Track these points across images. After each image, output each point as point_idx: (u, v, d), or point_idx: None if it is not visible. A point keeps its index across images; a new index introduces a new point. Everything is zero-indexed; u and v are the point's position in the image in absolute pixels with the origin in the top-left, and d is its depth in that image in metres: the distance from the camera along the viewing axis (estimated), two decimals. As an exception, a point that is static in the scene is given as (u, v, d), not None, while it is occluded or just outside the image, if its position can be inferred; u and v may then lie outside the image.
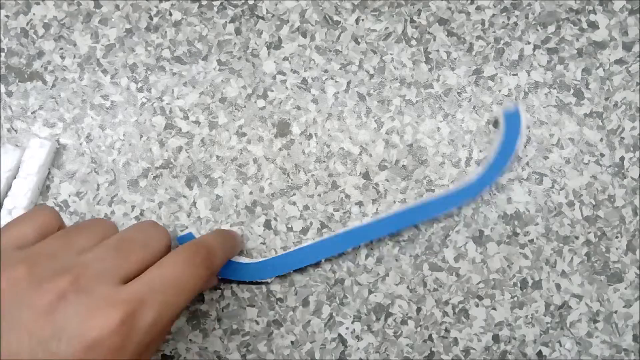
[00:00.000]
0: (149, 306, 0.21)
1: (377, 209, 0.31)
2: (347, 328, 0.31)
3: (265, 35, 0.32)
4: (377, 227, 0.30)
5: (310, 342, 0.31)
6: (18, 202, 0.31)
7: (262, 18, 0.33)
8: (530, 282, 0.31)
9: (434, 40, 0.32)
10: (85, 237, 0.23)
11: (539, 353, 0.31)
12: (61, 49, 0.33)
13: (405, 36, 0.32)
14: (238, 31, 0.33)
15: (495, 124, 0.32)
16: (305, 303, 0.31)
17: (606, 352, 0.31)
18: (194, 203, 0.32)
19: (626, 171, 0.31)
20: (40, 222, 0.23)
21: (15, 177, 0.31)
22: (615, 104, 0.31)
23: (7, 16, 0.33)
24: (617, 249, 0.31)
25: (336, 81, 0.32)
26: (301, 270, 0.31)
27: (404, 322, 0.31)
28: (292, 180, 0.32)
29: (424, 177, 0.32)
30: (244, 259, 0.30)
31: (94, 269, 0.21)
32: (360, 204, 0.32)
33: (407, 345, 0.31)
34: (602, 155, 0.31)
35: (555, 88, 0.32)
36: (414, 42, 0.32)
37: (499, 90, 0.32)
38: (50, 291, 0.20)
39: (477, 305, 0.31)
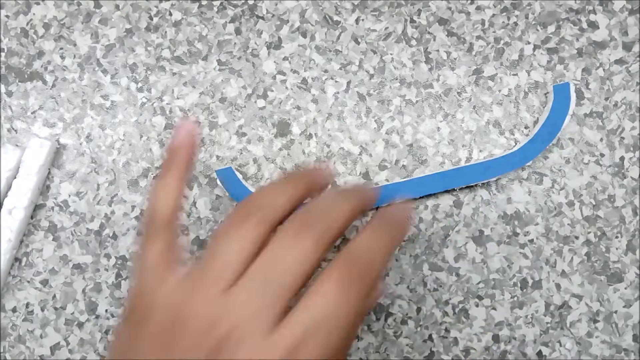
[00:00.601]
0: (309, 346, 0.19)
1: (377, 208, 0.31)
2: (347, 328, 0.31)
3: (265, 35, 0.32)
4: (413, 186, 0.30)
5: (310, 342, 0.31)
6: (18, 202, 0.31)
7: (262, 18, 0.33)
8: (530, 282, 0.31)
9: (434, 40, 0.32)
10: (227, 262, 0.20)
11: (539, 353, 0.31)
12: (61, 49, 0.33)
13: (405, 36, 0.32)
14: (238, 31, 0.33)
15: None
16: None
17: (606, 352, 0.31)
18: (194, 203, 0.32)
19: (626, 171, 0.31)
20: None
21: (15, 177, 0.31)
22: (615, 104, 0.31)
23: (7, 16, 0.33)
24: (617, 249, 0.31)
25: (336, 81, 0.32)
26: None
27: (404, 322, 0.31)
28: (292, 180, 0.32)
29: (424, 177, 0.32)
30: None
31: (244, 317, 0.19)
32: (360, 204, 0.32)
33: (407, 345, 0.31)
34: (602, 155, 0.31)
35: (555, 88, 0.32)
36: (414, 42, 0.32)
37: (499, 90, 0.32)
38: (202, 348, 0.18)
39: (477, 305, 0.31)
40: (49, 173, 0.32)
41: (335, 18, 0.32)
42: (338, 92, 0.32)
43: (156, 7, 0.33)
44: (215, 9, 0.33)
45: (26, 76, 0.33)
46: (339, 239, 0.22)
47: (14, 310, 0.32)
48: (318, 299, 0.19)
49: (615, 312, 0.31)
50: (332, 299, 0.19)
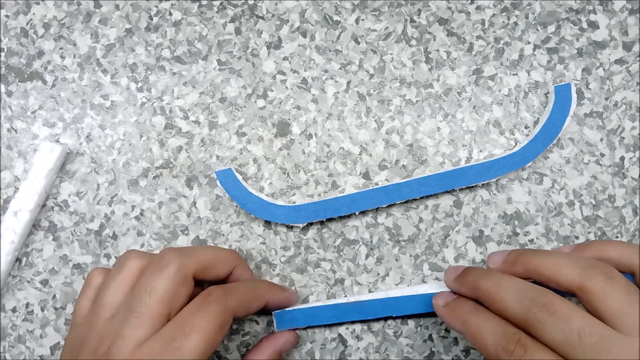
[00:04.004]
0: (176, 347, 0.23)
1: (377, 208, 0.31)
2: (347, 328, 0.31)
3: (265, 35, 0.32)
4: (414, 186, 0.30)
5: (310, 342, 0.31)
6: (24, 204, 0.31)
7: (262, 18, 0.33)
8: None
9: (434, 40, 0.32)
10: (112, 295, 0.25)
11: (539, 353, 0.31)
12: (61, 48, 0.33)
13: (405, 36, 0.32)
14: (238, 31, 0.33)
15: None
16: (305, 303, 0.31)
17: (606, 352, 0.31)
18: (194, 203, 0.32)
19: (626, 171, 0.31)
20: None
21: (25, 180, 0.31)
22: (615, 104, 0.31)
23: (7, 16, 0.33)
24: (617, 248, 0.31)
25: (336, 81, 0.32)
26: (301, 270, 0.31)
27: (404, 322, 0.31)
28: (292, 180, 0.32)
29: (424, 177, 0.32)
30: (280, 202, 0.31)
31: (119, 335, 0.23)
32: (360, 203, 0.32)
33: (407, 345, 0.31)
34: (602, 155, 0.31)
35: (555, 88, 0.32)
36: (414, 42, 0.32)
37: (499, 90, 0.32)
38: (90, 356, 0.24)
39: (477, 305, 0.31)
40: (49, 173, 0.32)
41: (335, 18, 0.32)
42: (338, 92, 0.32)
43: (156, 7, 0.33)
44: (215, 9, 0.33)
45: (26, 76, 0.33)
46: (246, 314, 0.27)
47: (14, 310, 0.32)
48: (182, 313, 0.24)
49: (615, 312, 0.31)
50: (192, 313, 0.24)
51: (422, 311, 0.29)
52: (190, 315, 0.24)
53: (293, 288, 0.31)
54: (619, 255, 0.24)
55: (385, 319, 0.31)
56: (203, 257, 0.26)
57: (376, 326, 0.31)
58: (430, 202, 0.31)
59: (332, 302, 0.30)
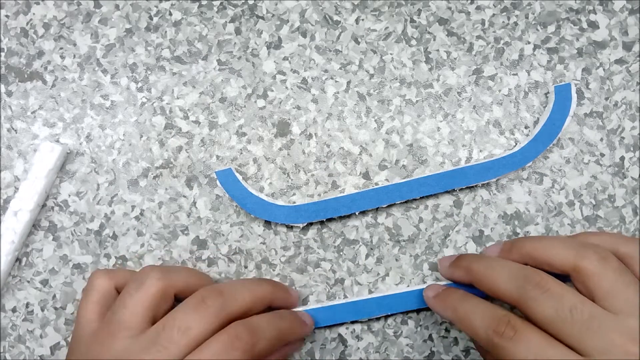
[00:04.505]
0: None
1: (377, 208, 0.31)
2: (347, 328, 0.31)
3: (265, 35, 0.32)
4: (414, 186, 0.30)
5: (310, 342, 0.31)
6: (24, 204, 0.31)
7: (262, 18, 0.33)
8: (530, 282, 0.31)
9: (434, 40, 0.32)
10: (129, 313, 0.25)
11: (539, 353, 0.31)
12: (61, 48, 0.33)
13: (405, 36, 0.32)
14: (238, 31, 0.33)
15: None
16: (305, 303, 0.31)
17: (606, 352, 0.31)
18: (194, 203, 0.32)
19: (626, 171, 0.31)
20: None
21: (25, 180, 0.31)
22: (615, 104, 0.31)
23: (7, 16, 0.33)
24: (617, 248, 0.31)
25: (336, 81, 0.32)
26: (301, 270, 0.31)
27: (404, 322, 0.31)
28: (292, 180, 0.32)
29: (424, 177, 0.32)
30: (280, 202, 0.31)
31: None
32: (360, 203, 0.32)
33: (407, 345, 0.31)
34: (602, 155, 0.31)
35: (555, 88, 0.32)
36: (414, 42, 0.32)
37: (499, 90, 0.32)
38: None
39: (477, 305, 0.31)
40: (49, 173, 0.32)
41: (335, 18, 0.32)
42: (338, 92, 0.32)
43: (156, 7, 0.33)
44: (215, 9, 0.33)
45: (26, 76, 0.33)
46: (240, 317, 0.26)
47: (14, 310, 0.32)
48: (208, 350, 0.23)
49: (615, 312, 0.31)
50: (217, 354, 0.23)
51: (416, 307, 0.29)
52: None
53: (293, 288, 0.31)
54: (604, 244, 0.25)
55: (385, 318, 0.31)
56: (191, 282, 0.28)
57: (376, 326, 0.31)
58: (430, 202, 0.31)
59: (326, 304, 0.30)
